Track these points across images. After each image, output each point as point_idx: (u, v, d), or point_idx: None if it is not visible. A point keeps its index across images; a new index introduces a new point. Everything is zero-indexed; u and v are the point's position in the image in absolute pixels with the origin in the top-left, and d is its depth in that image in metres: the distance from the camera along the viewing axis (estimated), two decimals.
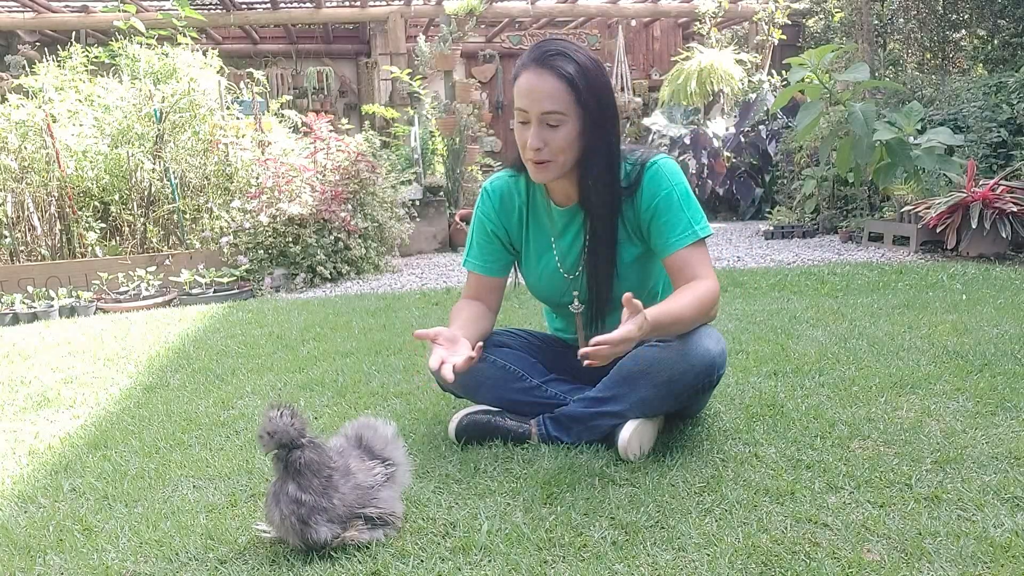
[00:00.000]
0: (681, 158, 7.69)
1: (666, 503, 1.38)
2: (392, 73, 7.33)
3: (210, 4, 8.32)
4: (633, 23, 10.59)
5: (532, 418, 1.73)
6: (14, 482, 1.71)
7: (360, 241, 5.15)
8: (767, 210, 7.20)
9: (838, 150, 5.31)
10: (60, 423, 2.15)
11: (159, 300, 4.30)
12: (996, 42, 7.51)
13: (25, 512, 1.53)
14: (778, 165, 7.13)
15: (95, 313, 4.18)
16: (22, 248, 4.85)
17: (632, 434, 1.59)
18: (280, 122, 5.91)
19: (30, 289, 4.40)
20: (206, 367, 2.65)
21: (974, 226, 4.26)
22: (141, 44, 5.51)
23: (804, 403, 1.90)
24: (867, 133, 4.93)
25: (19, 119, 4.84)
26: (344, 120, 6.72)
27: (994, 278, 3.64)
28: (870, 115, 4.99)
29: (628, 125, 9.40)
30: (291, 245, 4.82)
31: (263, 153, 5.32)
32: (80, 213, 4.93)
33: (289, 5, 8.74)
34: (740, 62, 8.38)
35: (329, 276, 4.88)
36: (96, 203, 5.10)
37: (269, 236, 4.78)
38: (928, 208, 4.61)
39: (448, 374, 1.45)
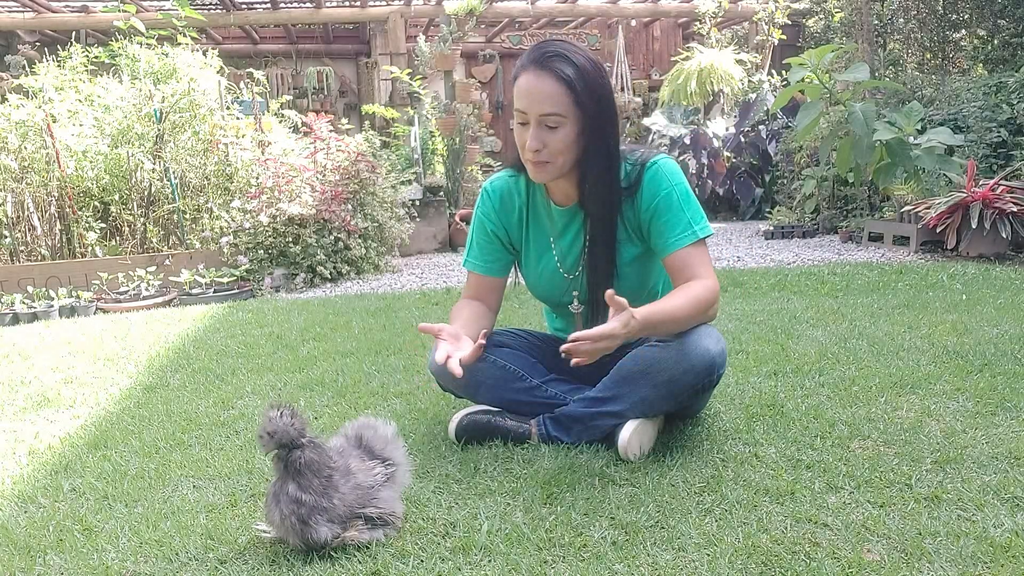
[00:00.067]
0: (681, 158, 7.69)
1: (666, 503, 1.38)
2: (392, 73, 7.33)
3: (210, 4, 8.32)
4: (633, 23, 10.59)
5: (532, 418, 1.73)
6: (14, 482, 1.71)
7: (360, 241, 5.15)
8: (767, 210, 7.20)
9: (838, 150, 5.31)
10: (60, 423, 2.15)
11: (159, 300, 4.30)
12: (996, 42, 7.51)
13: (25, 512, 1.53)
14: (778, 165, 7.13)
15: (95, 313, 4.18)
16: (22, 248, 4.85)
17: (632, 434, 1.59)
18: (280, 122, 5.92)
19: (30, 289, 4.40)
20: (206, 367, 2.65)
21: (974, 226, 4.26)
22: (141, 44, 5.51)
23: (804, 403, 1.90)
24: (867, 133, 4.93)
25: (19, 119, 4.84)
26: (344, 120, 6.72)
27: (994, 278, 3.64)
28: (870, 115, 5.00)
29: (628, 125, 9.40)
30: (291, 245, 4.82)
31: (263, 153, 5.32)
32: (80, 213, 4.93)
33: (289, 5, 8.74)
34: (740, 62, 8.38)
35: (329, 276, 4.88)
36: (96, 203, 5.11)
37: (269, 236, 4.78)
38: (928, 208, 4.61)
39: (456, 368, 1.46)
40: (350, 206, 5.12)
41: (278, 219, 4.78)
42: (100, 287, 4.50)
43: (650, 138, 8.49)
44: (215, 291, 4.50)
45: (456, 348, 1.53)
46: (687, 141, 7.82)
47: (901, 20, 8.44)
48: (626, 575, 1.16)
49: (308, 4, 8.67)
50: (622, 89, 9.31)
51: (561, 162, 1.58)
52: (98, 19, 7.92)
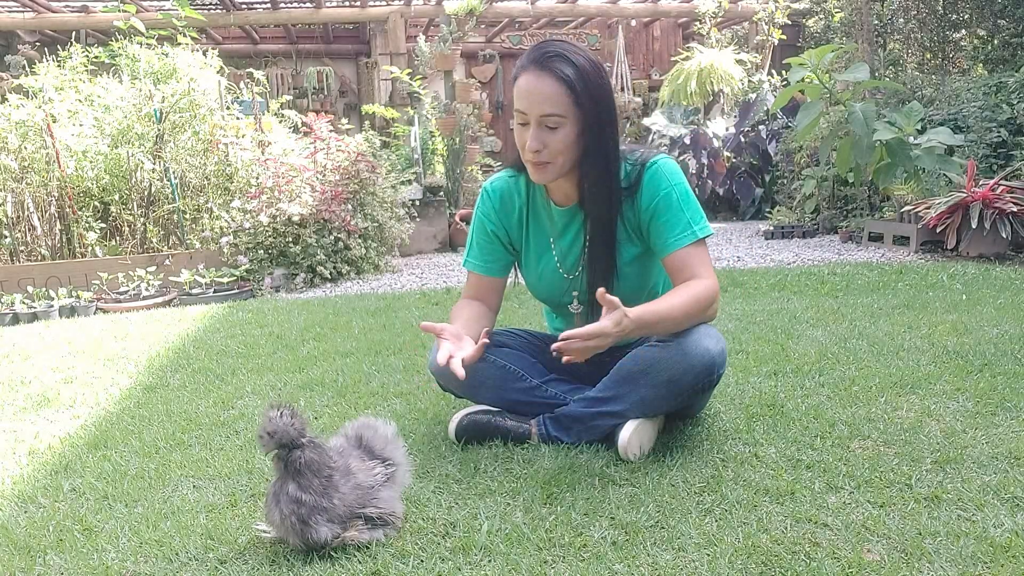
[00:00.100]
0: (681, 158, 7.69)
1: (666, 503, 1.38)
2: (392, 73, 7.33)
3: (210, 4, 8.32)
4: (633, 23, 10.59)
5: (532, 418, 1.73)
6: (14, 482, 1.71)
7: (360, 241, 5.15)
8: (767, 210, 7.20)
9: (838, 150, 5.31)
10: (60, 423, 2.15)
11: (159, 300, 4.30)
12: (996, 42, 7.51)
13: (25, 512, 1.53)
14: (778, 165, 7.13)
15: (95, 313, 4.18)
16: (22, 248, 4.85)
17: (632, 434, 1.59)
18: (280, 122, 5.92)
19: (30, 289, 4.40)
20: (206, 367, 2.65)
21: (974, 226, 4.26)
22: (141, 44, 5.51)
23: (804, 403, 1.90)
24: (867, 133, 4.93)
25: (19, 119, 4.84)
26: (344, 120, 6.72)
27: (994, 278, 3.64)
28: (870, 115, 5.00)
29: (628, 125, 9.40)
30: (291, 245, 4.82)
31: (263, 153, 5.32)
32: (80, 213, 4.93)
33: (289, 5, 8.74)
34: (740, 62, 8.38)
35: (329, 276, 4.88)
36: (96, 203, 5.11)
37: (269, 236, 4.78)
38: (928, 208, 4.61)
39: (458, 369, 1.45)
40: (350, 206, 5.12)
41: (278, 219, 4.78)
42: (100, 287, 4.50)
43: (650, 138, 8.49)
44: (215, 291, 4.50)
45: (458, 348, 1.53)
46: (687, 141, 7.82)
47: (901, 20, 8.44)
48: (626, 575, 1.16)
49: (308, 4, 8.67)
50: (622, 89, 9.31)
51: (561, 162, 1.59)
52: (98, 19, 7.92)
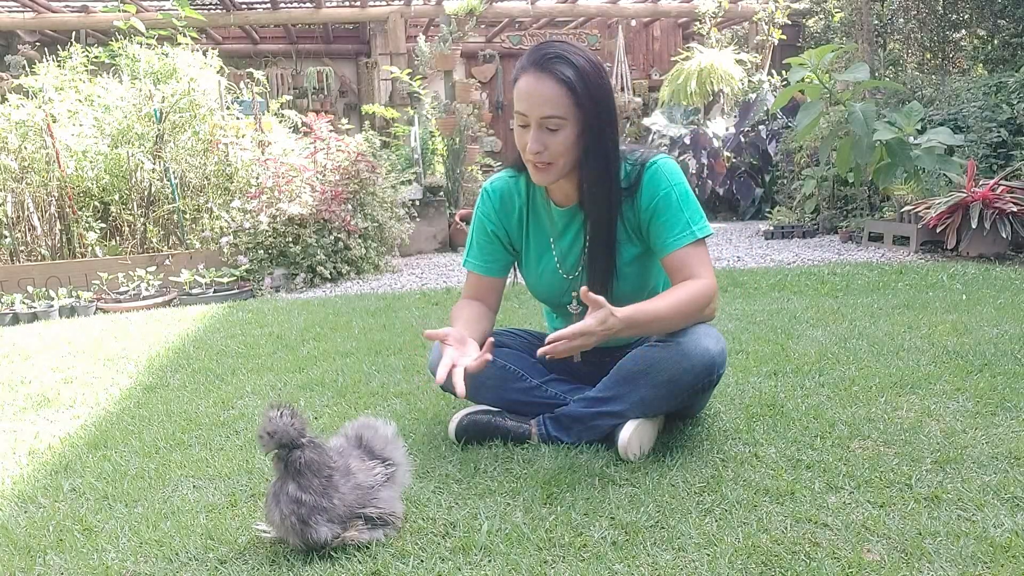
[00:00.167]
0: (681, 158, 7.69)
1: (666, 503, 1.38)
2: (392, 73, 7.33)
3: (210, 4, 8.32)
4: (633, 23, 10.59)
5: (532, 418, 1.73)
6: (14, 482, 1.71)
7: (360, 241, 5.15)
8: (767, 210, 7.20)
9: (838, 150, 5.31)
10: (60, 423, 2.15)
11: (159, 300, 4.30)
12: (996, 42, 7.51)
13: (25, 512, 1.53)
14: (778, 165, 7.14)
15: (95, 313, 4.18)
16: (22, 248, 4.85)
17: (632, 434, 1.59)
18: (280, 122, 5.92)
19: (30, 289, 4.40)
20: (206, 367, 2.65)
21: (974, 226, 4.26)
22: (141, 44, 5.51)
23: (804, 403, 1.90)
24: (867, 133, 4.93)
25: (19, 119, 4.84)
26: (344, 120, 6.72)
27: (994, 278, 3.64)
28: (870, 115, 5.00)
29: (628, 125, 9.40)
30: (291, 245, 4.82)
31: (263, 153, 5.32)
32: (80, 213, 4.93)
33: (289, 5, 8.74)
34: (740, 62, 8.38)
35: (329, 276, 4.89)
36: (96, 203, 5.11)
37: (269, 236, 4.78)
38: (928, 208, 4.61)
39: (460, 385, 1.43)
40: (350, 206, 5.12)
41: (278, 219, 4.78)
42: (100, 287, 4.50)
43: (650, 138, 8.49)
44: (215, 291, 4.50)
45: (461, 354, 1.52)
46: (687, 141, 7.82)
47: (901, 20, 8.44)
48: (626, 575, 1.16)
49: (308, 4, 8.67)
50: (622, 89, 9.31)
51: (562, 164, 1.59)
52: (98, 19, 7.92)
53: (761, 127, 7.66)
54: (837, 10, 9.07)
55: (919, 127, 5.15)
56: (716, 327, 1.67)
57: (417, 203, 6.43)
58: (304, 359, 2.69)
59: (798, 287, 3.70)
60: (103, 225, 5.05)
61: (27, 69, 5.88)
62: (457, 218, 6.73)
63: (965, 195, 4.40)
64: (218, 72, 5.64)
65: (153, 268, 4.59)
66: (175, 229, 5.17)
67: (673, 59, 8.99)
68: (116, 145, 5.06)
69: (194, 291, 4.49)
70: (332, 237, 4.95)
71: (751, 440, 1.67)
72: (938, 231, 4.54)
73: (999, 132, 5.07)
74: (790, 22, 9.08)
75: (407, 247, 6.13)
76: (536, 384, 1.78)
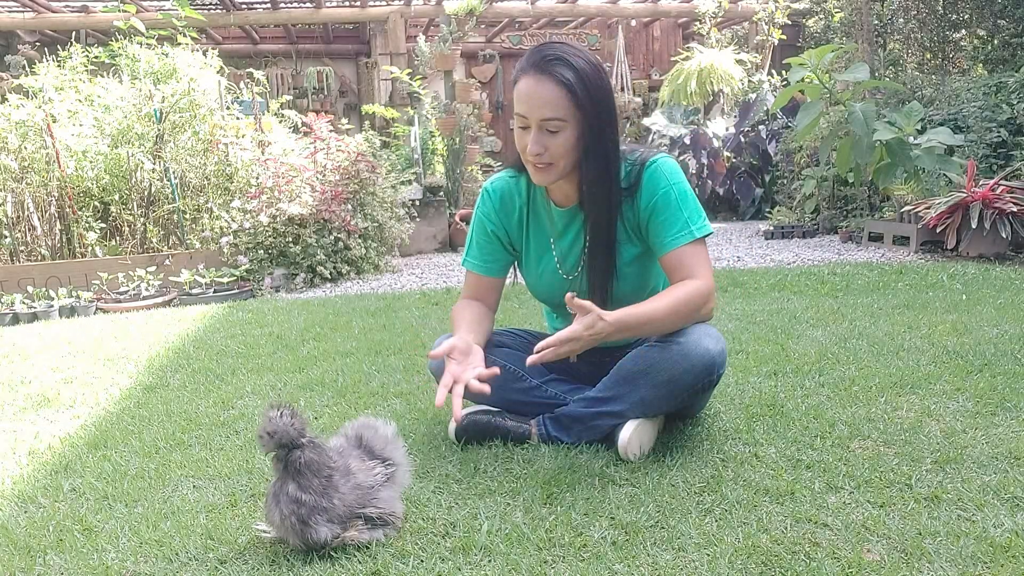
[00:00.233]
0: (681, 158, 7.70)
1: (666, 503, 1.38)
2: (392, 73, 7.33)
3: (210, 4, 8.32)
4: (633, 23, 10.59)
5: (532, 418, 1.73)
6: (14, 482, 1.71)
7: (360, 241, 5.15)
8: (767, 210, 7.20)
9: (838, 150, 5.31)
10: (60, 423, 2.15)
11: (159, 300, 4.30)
12: (996, 42, 7.51)
13: (25, 512, 1.53)
14: (778, 165, 7.13)
15: (95, 313, 4.18)
16: (22, 248, 4.85)
17: (632, 434, 1.59)
18: (280, 122, 5.92)
19: (30, 289, 4.40)
20: (206, 367, 2.65)
21: (974, 226, 4.26)
22: (141, 44, 5.51)
23: (804, 403, 1.90)
24: (867, 133, 4.93)
25: (19, 119, 4.84)
26: (344, 120, 6.72)
27: (994, 278, 3.64)
28: (870, 115, 5.00)
29: (628, 125, 9.40)
30: (291, 245, 4.82)
31: (263, 153, 5.32)
32: (80, 213, 4.93)
33: (289, 5, 8.74)
34: (740, 62, 8.38)
35: (329, 276, 4.89)
36: (96, 203, 5.11)
37: (269, 236, 4.78)
38: (928, 208, 4.61)
39: (458, 411, 1.47)
40: (350, 206, 5.12)
41: (278, 219, 4.78)
42: (100, 287, 4.50)
43: (650, 138, 8.49)
44: (215, 291, 4.50)
45: (463, 368, 1.53)
46: (687, 141, 7.82)
47: (901, 20, 8.44)
48: (626, 575, 1.16)
49: (308, 4, 8.67)
50: (622, 89, 9.31)
51: (563, 165, 1.59)
52: (98, 19, 7.92)
53: (761, 127, 7.66)
54: (837, 10, 9.07)
55: (919, 127, 5.15)
56: (716, 327, 1.67)
57: (417, 203, 6.43)
58: (304, 359, 2.69)
59: (798, 287, 3.70)
60: (103, 225, 5.05)
61: (27, 69, 5.88)
62: (457, 218, 6.73)
63: (965, 195, 4.40)
64: (218, 72, 5.64)
65: (153, 268, 4.59)
66: (175, 229, 5.17)
67: (673, 59, 8.99)
68: (116, 145, 5.06)
69: (194, 291, 4.49)
70: (332, 237, 4.95)
71: (751, 440, 1.67)
72: (938, 231, 4.54)
73: (999, 132, 5.07)
74: (790, 22, 9.08)
75: (407, 247, 6.13)
76: (536, 384, 1.78)
